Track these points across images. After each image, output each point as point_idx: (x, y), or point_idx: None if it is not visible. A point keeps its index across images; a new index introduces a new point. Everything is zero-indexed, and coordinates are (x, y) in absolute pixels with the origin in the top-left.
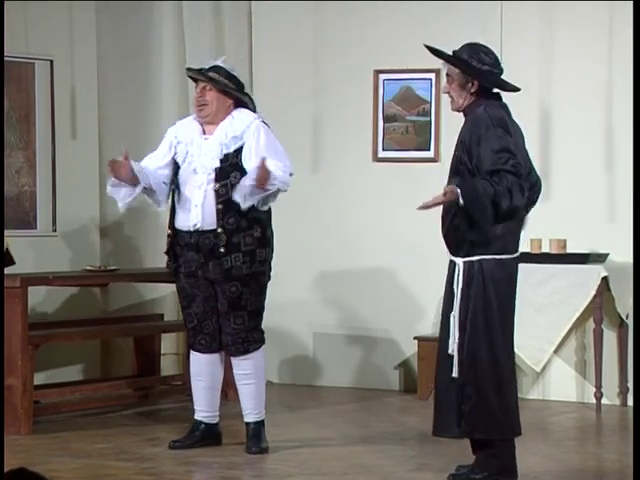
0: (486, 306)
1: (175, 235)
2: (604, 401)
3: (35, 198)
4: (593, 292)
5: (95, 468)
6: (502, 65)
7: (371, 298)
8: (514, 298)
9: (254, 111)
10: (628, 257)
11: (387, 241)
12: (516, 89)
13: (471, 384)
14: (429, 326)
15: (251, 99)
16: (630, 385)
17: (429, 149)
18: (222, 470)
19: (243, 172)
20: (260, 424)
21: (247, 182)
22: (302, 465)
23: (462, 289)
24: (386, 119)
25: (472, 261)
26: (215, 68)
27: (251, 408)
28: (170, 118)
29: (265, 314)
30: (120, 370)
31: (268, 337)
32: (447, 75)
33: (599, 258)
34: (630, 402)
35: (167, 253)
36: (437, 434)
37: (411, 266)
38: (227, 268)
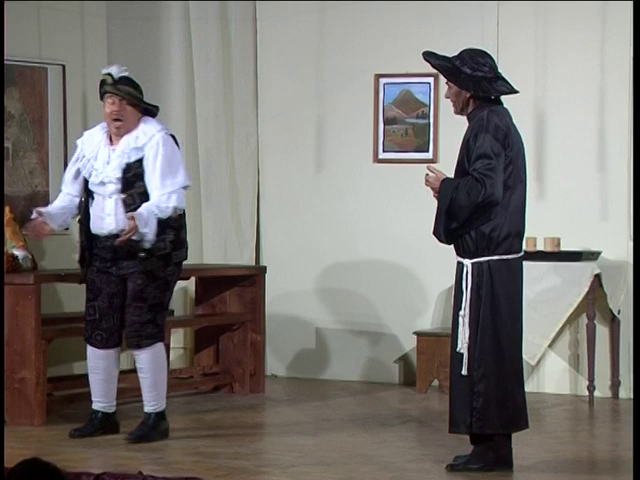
0: (495, 305)
1: (90, 239)
2: (596, 394)
3: (48, 198)
4: (586, 289)
5: (106, 458)
6: (499, 68)
7: (372, 295)
8: (522, 296)
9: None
10: (620, 255)
11: (387, 239)
12: (508, 92)
13: (481, 381)
14: (428, 322)
15: (156, 107)
16: (622, 378)
17: (428, 150)
18: (228, 460)
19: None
20: (155, 415)
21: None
22: (305, 455)
23: (471, 290)
24: (386, 121)
25: (480, 262)
26: (124, 80)
27: (146, 399)
28: (178, 120)
29: (270, 310)
30: (130, 364)
31: (272, 332)
32: (446, 82)
33: (592, 256)
34: (621, 394)
35: (82, 256)
36: (452, 431)
37: (410, 264)
38: (147, 269)
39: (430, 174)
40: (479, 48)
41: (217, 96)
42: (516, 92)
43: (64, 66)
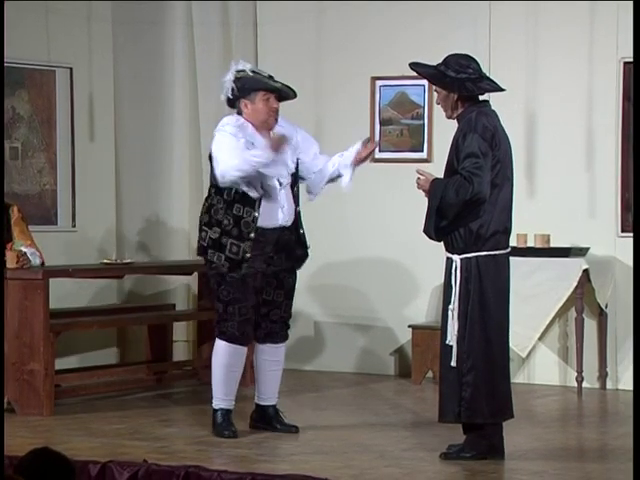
0: (483, 300)
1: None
2: (585, 385)
3: (56, 196)
4: (575, 283)
5: (112, 447)
6: (483, 69)
7: (368, 289)
8: (508, 291)
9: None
10: (607, 251)
11: (383, 236)
12: (492, 90)
13: (470, 372)
14: (422, 315)
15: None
16: (609, 370)
17: (422, 150)
18: (230, 449)
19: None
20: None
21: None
22: (304, 445)
23: (460, 284)
24: (382, 122)
25: (469, 258)
26: None
27: (276, 392)
28: (181, 121)
29: None
30: (135, 356)
31: None
32: (434, 88)
33: (580, 252)
34: (609, 385)
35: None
36: (441, 420)
37: (406, 259)
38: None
39: (420, 177)
40: (464, 53)
41: (219, 98)
42: (501, 90)
43: (71, 69)
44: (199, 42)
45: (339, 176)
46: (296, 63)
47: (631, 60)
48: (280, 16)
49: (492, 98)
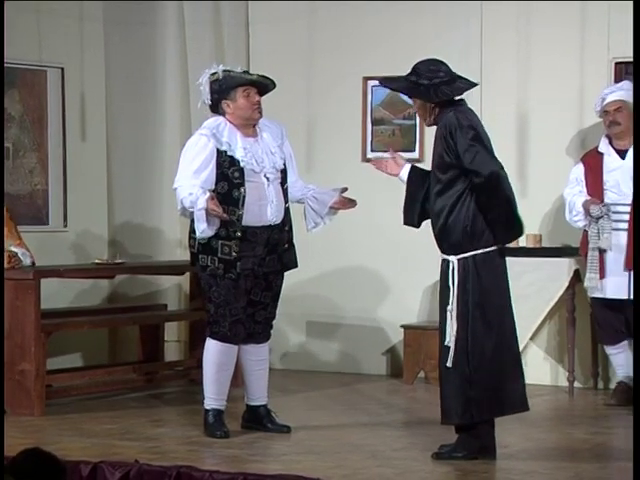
0: (483, 298)
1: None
2: (576, 384)
3: (47, 196)
4: (566, 283)
5: (103, 447)
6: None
7: (360, 290)
8: (508, 285)
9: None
10: None
11: (375, 237)
12: (467, 88)
13: (476, 372)
14: (414, 315)
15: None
16: (600, 370)
17: (414, 150)
18: (222, 449)
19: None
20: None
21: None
22: (296, 445)
23: (459, 285)
24: (374, 122)
25: (465, 257)
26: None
27: (265, 391)
28: (173, 121)
29: None
30: (126, 356)
31: None
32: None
33: (572, 252)
34: (600, 385)
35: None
36: (444, 422)
37: (398, 260)
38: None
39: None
40: (432, 58)
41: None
42: (474, 85)
43: (63, 69)
44: (191, 42)
45: (309, 207)
46: (288, 63)
47: (622, 60)
48: (272, 16)
49: (484, 99)
